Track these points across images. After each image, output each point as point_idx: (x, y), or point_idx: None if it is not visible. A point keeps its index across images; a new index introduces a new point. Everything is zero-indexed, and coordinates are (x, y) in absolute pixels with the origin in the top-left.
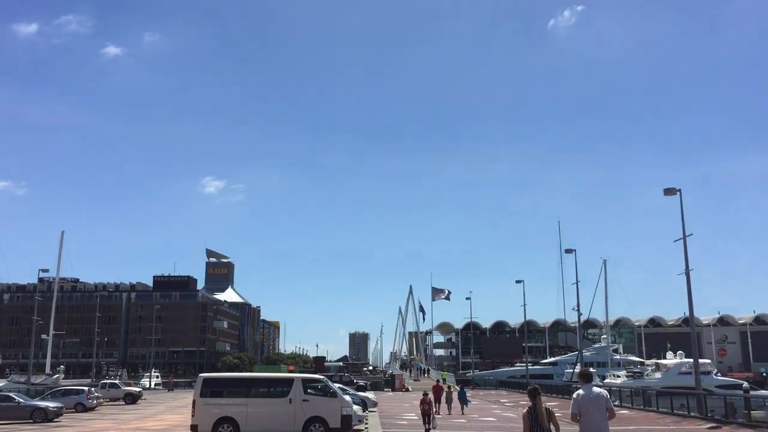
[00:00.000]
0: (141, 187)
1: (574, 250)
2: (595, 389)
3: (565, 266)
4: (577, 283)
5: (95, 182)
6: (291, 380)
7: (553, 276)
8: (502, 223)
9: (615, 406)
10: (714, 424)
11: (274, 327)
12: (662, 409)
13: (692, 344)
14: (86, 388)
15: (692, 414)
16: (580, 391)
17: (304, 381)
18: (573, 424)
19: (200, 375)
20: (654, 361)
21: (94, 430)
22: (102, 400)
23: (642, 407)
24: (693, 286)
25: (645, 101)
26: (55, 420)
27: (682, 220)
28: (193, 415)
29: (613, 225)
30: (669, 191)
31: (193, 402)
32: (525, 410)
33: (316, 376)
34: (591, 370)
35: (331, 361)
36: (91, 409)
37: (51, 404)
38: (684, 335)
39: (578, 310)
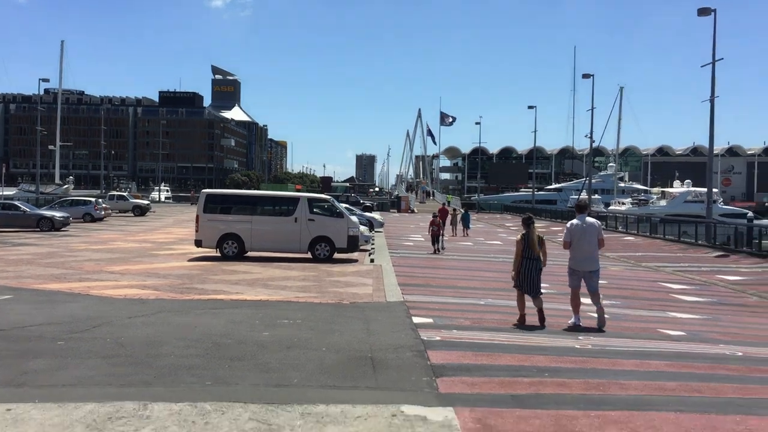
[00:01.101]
0: None
1: (592, 75)
2: (588, 219)
3: (577, 94)
4: (592, 110)
5: None
6: (296, 199)
7: (563, 105)
8: (516, 49)
9: (620, 232)
10: (722, 252)
11: (282, 147)
12: (668, 237)
13: (708, 172)
14: (94, 199)
15: (699, 242)
16: (574, 221)
17: (310, 200)
18: (566, 251)
19: (202, 191)
20: (660, 189)
21: (101, 240)
22: (110, 212)
23: (648, 234)
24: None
25: None
26: (63, 229)
27: (714, 43)
28: (197, 231)
29: (631, 51)
30: (703, 11)
31: (197, 217)
32: (519, 237)
33: (323, 195)
34: (591, 197)
35: (337, 182)
36: (99, 219)
37: (58, 214)
38: (691, 165)
39: (591, 137)
